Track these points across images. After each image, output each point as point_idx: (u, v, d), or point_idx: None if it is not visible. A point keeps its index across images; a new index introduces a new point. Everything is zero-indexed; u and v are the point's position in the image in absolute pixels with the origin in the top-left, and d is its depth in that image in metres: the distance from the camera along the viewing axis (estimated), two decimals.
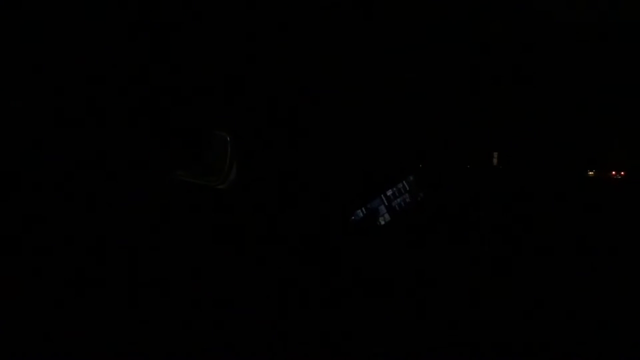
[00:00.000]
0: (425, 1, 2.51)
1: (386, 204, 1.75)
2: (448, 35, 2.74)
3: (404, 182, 1.80)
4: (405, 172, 1.80)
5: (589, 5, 2.48)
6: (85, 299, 1.34)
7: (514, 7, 2.85)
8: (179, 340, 1.33)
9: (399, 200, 1.77)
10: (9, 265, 1.34)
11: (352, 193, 1.74)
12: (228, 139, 2.02)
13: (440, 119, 2.87)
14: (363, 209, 1.72)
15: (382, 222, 1.74)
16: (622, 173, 2.92)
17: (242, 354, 1.33)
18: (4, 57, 1.45)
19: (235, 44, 1.92)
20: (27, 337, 1.22)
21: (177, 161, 1.83)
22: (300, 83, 1.96)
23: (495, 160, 3.40)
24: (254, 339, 1.37)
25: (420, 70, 2.54)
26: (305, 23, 1.99)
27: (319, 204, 1.75)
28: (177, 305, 1.42)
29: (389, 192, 1.77)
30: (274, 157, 1.87)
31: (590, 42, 2.80)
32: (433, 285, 1.68)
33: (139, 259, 1.50)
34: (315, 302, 1.56)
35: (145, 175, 1.68)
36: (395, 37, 2.40)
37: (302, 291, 1.59)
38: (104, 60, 1.56)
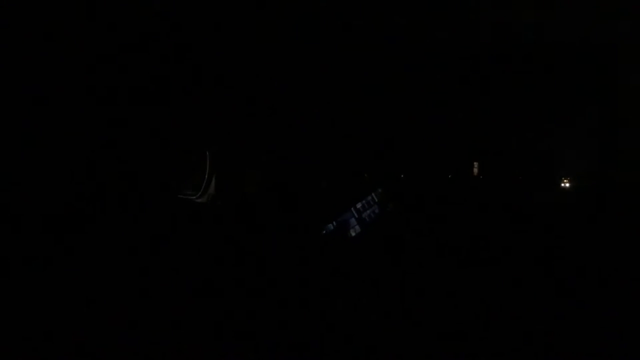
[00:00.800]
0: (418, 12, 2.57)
1: (356, 216, 1.81)
2: (428, 49, 2.81)
3: (372, 194, 1.86)
4: (374, 184, 1.86)
5: (555, 24, 2.58)
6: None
7: (491, 22, 2.93)
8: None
9: (368, 212, 1.83)
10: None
11: (323, 207, 1.80)
12: (207, 153, 2.08)
13: (418, 130, 2.94)
14: (334, 222, 1.78)
15: (353, 234, 1.80)
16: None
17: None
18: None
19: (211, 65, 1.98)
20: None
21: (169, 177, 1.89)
22: (274, 99, 2.02)
23: (475, 170, 3.47)
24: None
25: (395, 82, 2.61)
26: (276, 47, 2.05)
27: (292, 217, 1.80)
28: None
29: (359, 205, 1.82)
30: (248, 172, 1.93)
31: (563, 59, 2.89)
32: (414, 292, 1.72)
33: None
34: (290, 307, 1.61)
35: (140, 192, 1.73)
36: (375, 53, 2.48)
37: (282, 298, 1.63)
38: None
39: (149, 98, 1.85)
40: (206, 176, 2.08)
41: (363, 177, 2.12)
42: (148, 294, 1.51)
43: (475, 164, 3.38)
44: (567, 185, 2.98)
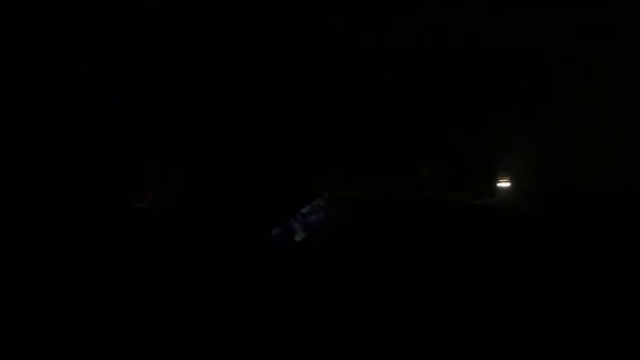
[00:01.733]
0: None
1: (301, 221, 1.81)
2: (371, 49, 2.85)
3: (318, 199, 1.86)
4: (320, 189, 1.86)
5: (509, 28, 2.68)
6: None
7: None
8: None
9: (313, 217, 1.83)
10: None
11: (268, 212, 1.78)
12: (151, 159, 2.01)
13: (370, 132, 2.99)
14: (279, 226, 1.77)
15: (298, 239, 1.79)
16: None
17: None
18: None
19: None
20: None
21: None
22: (218, 110, 1.99)
23: (425, 171, 3.56)
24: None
25: (347, 87, 2.63)
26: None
27: (237, 223, 1.77)
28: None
29: (304, 210, 1.82)
30: (192, 177, 1.88)
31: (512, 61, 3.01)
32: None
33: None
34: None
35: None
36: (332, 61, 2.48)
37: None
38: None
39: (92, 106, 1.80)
40: (148, 181, 2.01)
41: (308, 181, 2.11)
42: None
43: (424, 165, 3.47)
44: (507, 185, 3.09)
